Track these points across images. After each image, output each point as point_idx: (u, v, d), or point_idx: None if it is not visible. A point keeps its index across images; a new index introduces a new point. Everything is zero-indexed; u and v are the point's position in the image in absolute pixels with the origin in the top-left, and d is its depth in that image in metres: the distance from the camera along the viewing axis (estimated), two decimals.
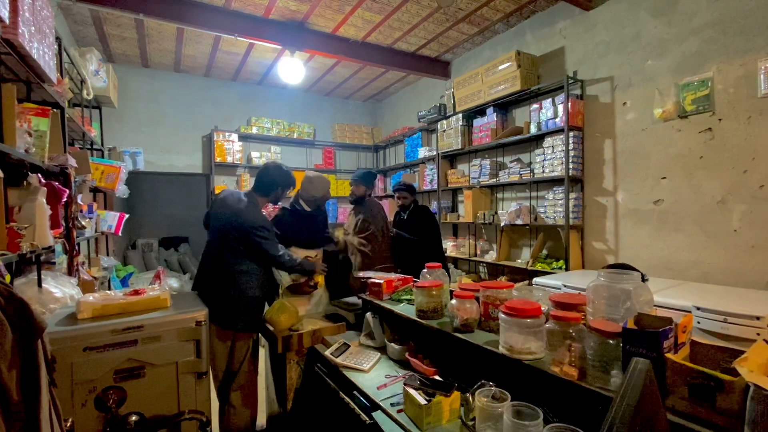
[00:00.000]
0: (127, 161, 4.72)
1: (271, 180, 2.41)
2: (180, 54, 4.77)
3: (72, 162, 2.26)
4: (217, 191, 5.11)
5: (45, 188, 1.82)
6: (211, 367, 2.12)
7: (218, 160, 5.28)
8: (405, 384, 1.44)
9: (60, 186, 2.04)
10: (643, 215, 3.12)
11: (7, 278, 1.74)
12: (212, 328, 2.09)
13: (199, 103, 5.50)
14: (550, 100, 3.54)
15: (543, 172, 3.58)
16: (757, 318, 1.88)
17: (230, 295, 2.20)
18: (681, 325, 1.03)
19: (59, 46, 2.37)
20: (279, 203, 2.61)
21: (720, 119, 2.68)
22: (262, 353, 2.68)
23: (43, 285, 1.88)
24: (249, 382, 2.35)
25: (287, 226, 2.61)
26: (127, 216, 3.96)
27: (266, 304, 2.44)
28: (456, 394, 1.35)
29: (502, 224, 3.91)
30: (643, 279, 1.77)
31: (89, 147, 3.89)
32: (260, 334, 2.53)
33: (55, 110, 2.09)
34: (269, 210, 2.99)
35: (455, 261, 4.82)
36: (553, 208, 3.54)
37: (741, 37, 2.57)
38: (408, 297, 2.04)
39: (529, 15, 3.95)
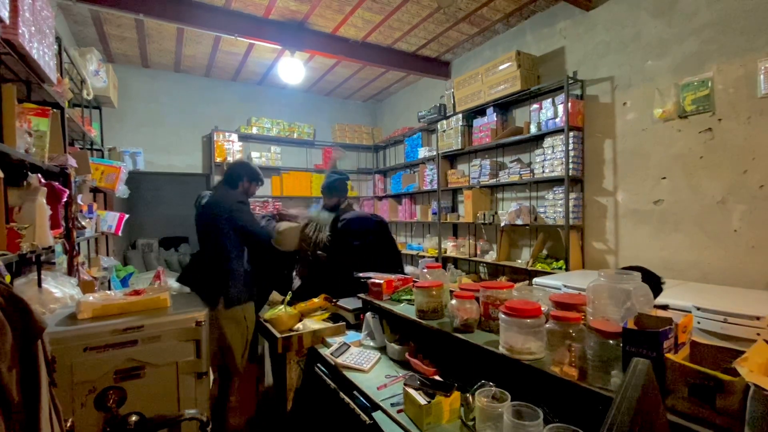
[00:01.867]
0: (127, 161, 4.72)
1: (234, 173, 2.52)
2: (180, 54, 4.77)
3: (72, 162, 2.26)
4: None
5: (45, 188, 1.81)
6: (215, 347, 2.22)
7: (218, 160, 5.28)
8: (405, 384, 1.44)
9: (60, 186, 2.04)
10: (643, 215, 3.12)
11: (7, 278, 1.73)
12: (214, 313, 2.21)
13: (199, 103, 5.50)
14: (550, 100, 3.54)
15: (543, 172, 3.58)
16: (757, 318, 1.88)
17: (218, 275, 2.32)
18: (681, 325, 1.03)
19: (59, 46, 2.37)
20: (250, 197, 2.65)
21: (720, 119, 2.68)
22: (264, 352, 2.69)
23: (43, 285, 1.88)
24: (246, 381, 2.38)
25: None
26: (127, 216, 3.96)
27: (258, 288, 2.52)
28: (456, 394, 1.35)
29: (502, 224, 3.91)
30: (661, 283, 1.75)
31: (89, 147, 3.89)
32: (260, 335, 2.53)
33: (55, 110, 2.09)
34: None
35: (455, 261, 4.82)
36: (553, 208, 3.54)
37: (741, 37, 2.57)
38: (408, 297, 2.04)
39: (529, 15, 3.95)
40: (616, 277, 1.21)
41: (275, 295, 2.70)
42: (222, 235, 2.36)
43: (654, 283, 1.77)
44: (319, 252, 2.75)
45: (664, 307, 1.79)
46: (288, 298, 2.47)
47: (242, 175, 2.52)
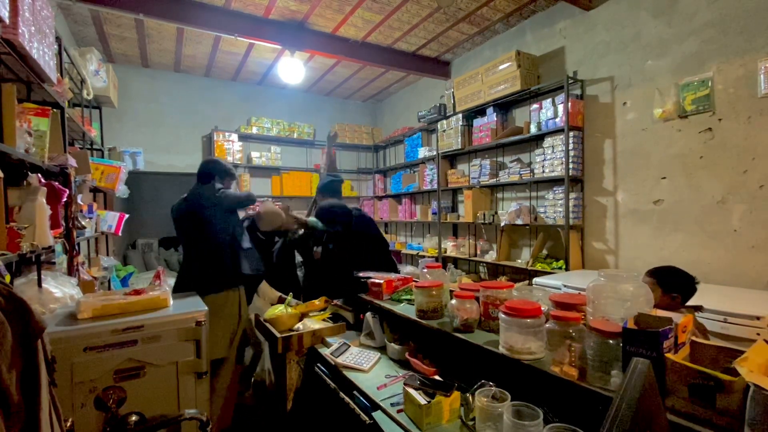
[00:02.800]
0: (127, 161, 4.71)
1: (205, 171, 2.57)
2: (180, 54, 4.77)
3: (72, 162, 2.26)
4: None
5: (45, 188, 1.81)
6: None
7: None
8: (405, 384, 1.44)
9: (60, 186, 2.04)
10: (643, 215, 3.12)
11: (7, 278, 1.73)
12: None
13: (199, 103, 5.50)
14: (550, 100, 3.54)
15: (543, 172, 3.58)
16: (757, 318, 1.88)
17: (203, 264, 2.40)
18: (681, 325, 1.03)
19: (59, 46, 2.37)
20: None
21: (720, 119, 2.68)
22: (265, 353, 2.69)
23: (43, 285, 1.88)
24: (229, 383, 2.40)
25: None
26: (127, 216, 3.96)
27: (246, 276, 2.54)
28: (456, 394, 1.35)
29: (502, 224, 3.91)
30: (695, 283, 1.73)
31: (89, 147, 3.89)
32: (258, 336, 2.53)
33: (55, 110, 2.09)
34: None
35: (455, 261, 4.82)
36: (553, 208, 3.54)
37: (741, 37, 2.57)
38: (408, 297, 2.04)
39: (529, 15, 3.95)
40: (616, 276, 1.21)
41: (267, 289, 2.71)
42: (206, 223, 2.43)
43: (688, 283, 1.74)
44: (315, 249, 2.82)
45: (699, 308, 1.77)
46: (290, 299, 2.47)
47: (213, 174, 2.56)
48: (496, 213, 4.11)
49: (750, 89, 2.53)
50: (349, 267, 2.47)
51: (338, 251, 2.73)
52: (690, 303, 1.77)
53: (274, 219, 2.69)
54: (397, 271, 2.65)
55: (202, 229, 2.45)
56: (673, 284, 1.75)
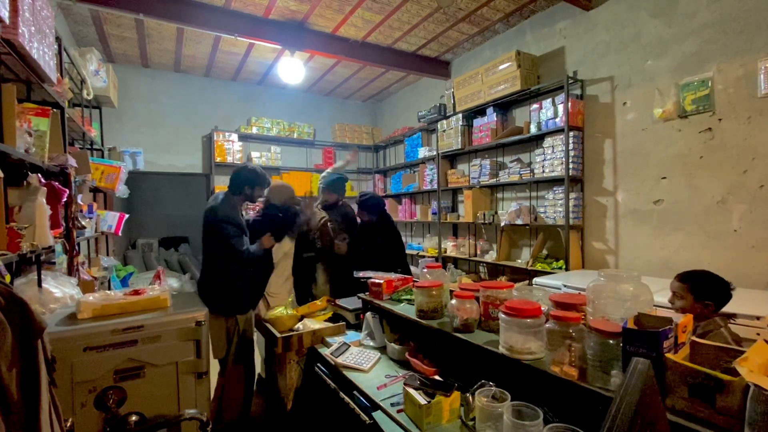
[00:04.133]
0: (127, 161, 4.71)
1: (236, 180, 2.59)
2: (180, 54, 4.77)
3: (72, 162, 2.26)
4: (216, 191, 5.12)
5: (45, 188, 1.81)
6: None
7: (218, 160, 5.28)
8: (405, 384, 1.44)
9: (60, 186, 2.04)
10: (643, 215, 3.12)
11: (7, 278, 1.73)
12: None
13: (199, 103, 5.50)
14: (550, 100, 3.54)
15: (543, 172, 3.58)
16: (757, 318, 1.88)
17: (210, 282, 2.46)
18: (681, 325, 1.03)
19: (59, 46, 2.37)
20: (256, 202, 2.75)
21: (720, 119, 2.68)
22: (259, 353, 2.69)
23: (43, 285, 1.88)
24: (233, 378, 2.43)
25: (261, 225, 2.72)
26: (127, 216, 3.96)
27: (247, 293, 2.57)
28: (456, 394, 1.35)
29: (502, 224, 3.91)
30: (731, 288, 1.62)
31: (89, 147, 3.89)
32: (259, 332, 2.54)
33: (55, 110, 2.09)
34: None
35: (455, 261, 4.82)
36: (553, 208, 3.54)
37: (741, 37, 2.57)
38: (408, 297, 2.04)
39: (529, 15, 3.95)
40: (616, 276, 1.21)
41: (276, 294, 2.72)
42: (211, 241, 2.46)
43: (723, 289, 1.62)
44: (337, 241, 2.94)
45: (733, 316, 1.66)
46: (291, 299, 2.48)
47: (243, 183, 2.58)
48: (496, 213, 4.11)
49: (750, 89, 2.53)
50: (378, 264, 2.54)
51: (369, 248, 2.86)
52: (727, 311, 1.65)
53: (282, 192, 2.82)
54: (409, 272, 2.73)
55: (204, 240, 2.52)
56: (707, 291, 1.62)
